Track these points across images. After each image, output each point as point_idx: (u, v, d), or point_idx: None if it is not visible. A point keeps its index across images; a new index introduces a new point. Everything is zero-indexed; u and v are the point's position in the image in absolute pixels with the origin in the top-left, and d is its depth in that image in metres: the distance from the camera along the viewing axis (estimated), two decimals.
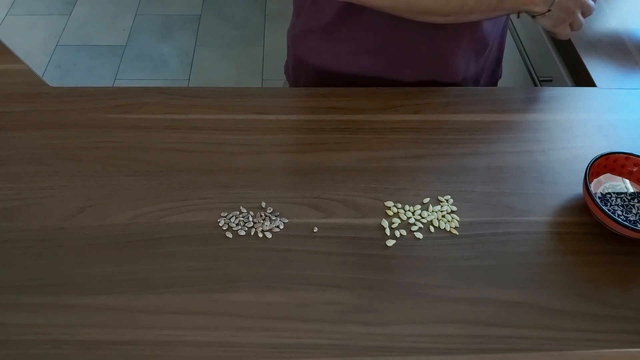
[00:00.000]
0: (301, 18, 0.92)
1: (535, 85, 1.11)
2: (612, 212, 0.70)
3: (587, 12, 0.83)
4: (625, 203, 0.71)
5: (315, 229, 0.68)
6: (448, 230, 0.69)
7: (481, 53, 0.93)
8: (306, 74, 0.94)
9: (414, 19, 0.79)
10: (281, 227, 0.69)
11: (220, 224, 0.68)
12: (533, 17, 0.82)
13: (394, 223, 0.69)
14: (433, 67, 0.89)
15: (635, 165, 0.73)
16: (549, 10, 0.80)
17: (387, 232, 0.68)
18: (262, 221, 0.69)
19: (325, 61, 0.90)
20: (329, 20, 0.86)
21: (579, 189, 0.74)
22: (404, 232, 0.69)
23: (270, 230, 0.68)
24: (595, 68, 0.95)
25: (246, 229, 0.68)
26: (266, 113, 0.82)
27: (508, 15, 0.91)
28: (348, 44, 0.88)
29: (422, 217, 0.70)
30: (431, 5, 0.77)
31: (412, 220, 0.70)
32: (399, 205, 0.71)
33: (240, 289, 0.63)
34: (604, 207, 0.67)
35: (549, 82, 1.09)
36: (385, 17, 0.82)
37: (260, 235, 0.68)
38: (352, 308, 0.62)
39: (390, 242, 0.67)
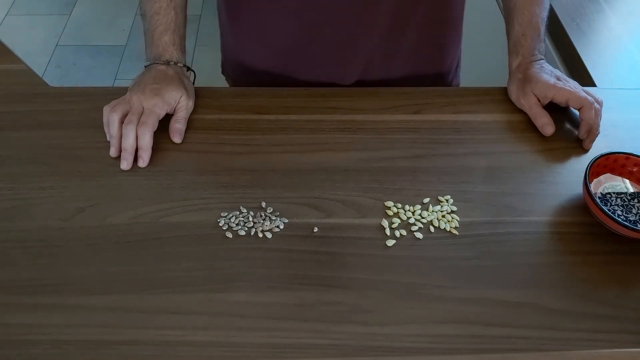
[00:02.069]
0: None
1: None
2: (612, 212, 0.70)
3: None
4: (625, 203, 0.71)
5: (315, 229, 0.68)
6: (448, 230, 0.69)
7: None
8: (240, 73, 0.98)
9: None
10: (281, 227, 0.69)
11: (220, 224, 0.68)
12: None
13: (394, 223, 0.69)
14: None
15: (635, 165, 0.73)
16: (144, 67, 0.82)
17: (387, 232, 0.68)
18: (262, 221, 0.69)
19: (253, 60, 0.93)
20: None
21: (579, 189, 0.74)
22: (404, 232, 0.69)
23: (270, 230, 0.68)
24: (595, 68, 0.95)
25: (246, 229, 0.68)
26: (266, 113, 0.82)
27: None
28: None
29: (422, 217, 0.70)
30: None
31: (412, 220, 0.70)
32: (399, 205, 0.71)
33: (240, 289, 0.63)
34: (604, 207, 0.67)
35: None
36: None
37: (260, 235, 0.68)
38: (352, 308, 0.62)
39: (390, 242, 0.67)
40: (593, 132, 0.78)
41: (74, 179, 0.73)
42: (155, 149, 0.76)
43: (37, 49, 2.37)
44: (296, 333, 0.59)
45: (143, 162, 0.73)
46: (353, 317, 0.61)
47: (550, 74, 0.82)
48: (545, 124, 0.80)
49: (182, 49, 0.85)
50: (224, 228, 0.68)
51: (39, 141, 0.77)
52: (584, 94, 0.79)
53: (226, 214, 0.69)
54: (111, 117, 0.75)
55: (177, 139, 0.77)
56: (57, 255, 0.65)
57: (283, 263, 0.65)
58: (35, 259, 0.65)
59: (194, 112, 0.82)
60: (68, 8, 2.59)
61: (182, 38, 0.85)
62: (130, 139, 0.73)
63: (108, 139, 0.75)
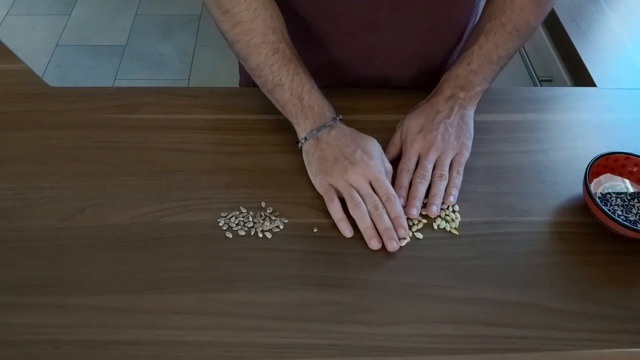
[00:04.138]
0: None
1: (535, 85, 1.11)
2: (612, 212, 0.70)
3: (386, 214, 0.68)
4: (625, 203, 0.71)
5: (315, 229, 0.68)
6: (448, 230, 0.69)
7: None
8: None
9: None
10: (281, 227, 0.69)
11: (220, 224, 0.68)
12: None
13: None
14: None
15: (635, 165, 0.73)
16: (304, 140, 0.72)
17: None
18: (262, 221, 0.69)
19: None
20: None
21: (579, 189, 0.74)
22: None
23: (270, 230, 0.68)
24: (595, 68, 0.95)
25: (246, 229, 0.68)
26: (266, 113, 0.82)
27: None
28: None
29: (422, 217, 0.70)
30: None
31: (412, 220, 0.70)
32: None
33: (240, 289, 0.63)
34: (604, 207, 0.67)
35: (549, 82, 1.09)
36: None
37: (260, 235, 0.68)
38: (352, 308, 0.62)
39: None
40: (430, 199, 0.70)
41: (74, 179, 0.73)
42: (155, 148, 0.76)
43: (37, 49, 2.37)
44: (296, 333, 0.59)
45: (405, 230, 0.67)
46: (353, 317, 0.61)
47: (446, 131, 0.74)
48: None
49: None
50: (224, 228, 0.68)
51: (39, 141, 0.77)
52: (424, 165, 0.72)
53: (226, 214, 0.69)
54: (335, 210, 0.68)
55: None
56: (57, 255, 0.65)
57: (283, 263, 0.65)
58: (35, 259, 0.65)
59: (194, 112, 0.82)
60: (68, 8, 2.59)
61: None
62: (386, 218, 0.67)
63: (347, 233, 0.68)
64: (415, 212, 0.68)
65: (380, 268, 0.65)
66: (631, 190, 0.73)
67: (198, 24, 2.49)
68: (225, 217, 0.69)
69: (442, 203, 0.70)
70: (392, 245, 0.65)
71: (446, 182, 0.71)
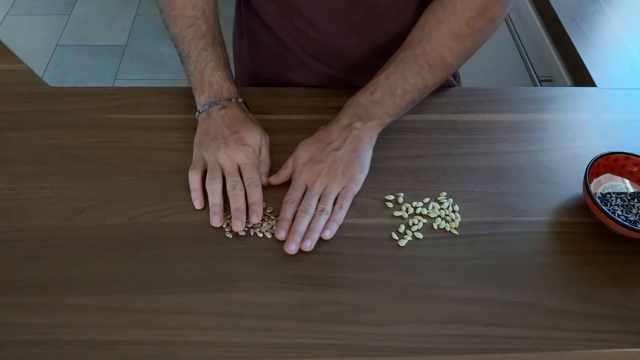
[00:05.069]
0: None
1: (535, 85, 1.11)
2: (612, 212, 0.70)
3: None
4: (625, 203, 0.71)
5: None
6: (448, 230, 0.69)
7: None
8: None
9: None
10: None
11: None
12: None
13: (394, 223, 0.69)
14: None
15: (635, 165, 0.73)
16: (198, 113, 0.76)
17: (388, 232, 0.68)
18: (261, 221, 0.69)
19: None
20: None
21: (579, 189, 0.74)
22: (403, 230, 0.69)
23: (270, 231, 0.68)
24: (595, 68, 0.95)
25: (246, 229, 0.68)
26: (266, 113, 0.82)
27: None
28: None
29: (422, 217, 0.70)
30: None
31: (412, 220, 0.70)
32: (400, 201, 0.71)
33: (240, 289, 0.63)
34: (604, 207, 0.67)
35: (548, 82, 1.09)
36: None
37: (260, 235, 0.68)
38: (352, 308, 0.62)
39: (391, 242, 0.67)
40: (307, 233, 0.66)
41: (74, 179, 0.73)
42: (156, 148, 0.76)
43: (37, 49, 2.37)
44: (296, 333, 0.59)
45: (257, 216, 0.67)
46: (353, 317, 0.61)
47: (334, 164, 0.70)
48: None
49: (235, 84, 0.79)
50: (224, 228, 0.68)
51: (39, 141, 0.77)
52: (296, 192, 0.70)
53: (226, 214, 0.69)
54: (193, 178, 0.70)
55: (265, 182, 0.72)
56: (57, 255, 0.65)
57: (283, 263, 0.65)
58: (35, 259, 0.65)
59: (194, 112, 0.81)
60: (68, 8, 2.59)
61: (231, 73, 0.80)
62: (241, 199, 0.68)
63: (196, 204, 0.70)
64: (294, 247, 0.65)
65: (381, 268, 0.65)
66: (631, 190, 0.73)
67: None
68: (225, 217, 0.69)
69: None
70: (237, 225, 0.66)
71: (327, 217, 0.68)
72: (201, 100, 0.76)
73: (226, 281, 0.63)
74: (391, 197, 0.72)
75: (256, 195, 0.69)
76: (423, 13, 0.76)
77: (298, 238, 0.66)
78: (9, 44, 0.94)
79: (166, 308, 0.61)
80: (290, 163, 0.74)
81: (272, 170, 0.74)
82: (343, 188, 0.70)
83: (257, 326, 0.60)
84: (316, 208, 0.69)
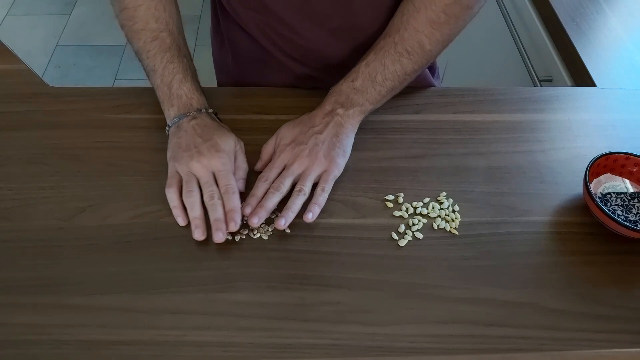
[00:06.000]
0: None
1: (535, 85, 1.11)
2: (612, 212, 0.70)
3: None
4: (625, 203, 0.71)
5: (315, 229, 0.68)
6: (448, 230, 0.69)
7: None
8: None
9: None
10: None
11: None
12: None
13: (394, 223, 0.69)
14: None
15: (635, 165, 0.73)
16: (168, 127, 0.75)
17: (388, 232, 0.68)
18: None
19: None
20: None
21: (579, 189, 0.74)
22: (403, 229, 0.69)
23: (269, 231, 0.68)
24: (595, 68, 0.95)
25: (230, 237, 0.68)
26: (266, 113, 0.82)
27: None
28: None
29: (422, 217, 0.70)
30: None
31: (412, 220, 0.70)
32: (400, 201, 0.71)
33: (240, 289, 0.63)
34: (604, 207, 0.67)
35: (548, 81, 1.09)
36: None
37: (260, 235, 0.68)
38: (352, 308, 0.62)
39: (391, 242, 0.67)
40: (282, 212, 0.67)
41: (74, 179, 0.73)
42: (156, 148, 0.76)
43: (37, 49, 2.37)
44: (296, 333, 0.59)
45: (235, 224, 0.65)
46: (353, 317, 0.61)
47: (315, 146, 0.71)
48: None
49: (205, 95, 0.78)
50: None
51: (39, 141, 0.77)
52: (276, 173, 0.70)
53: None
54: (170, 196, 0.69)
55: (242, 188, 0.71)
56: (57, 255, 0.65)
57: (283, 263, 0.65)
58: (35, 259, 0.65)
59: None
60: (68, 8, 2.59)
61: (199, 85, 0.79)
62: (219, 209, 0.66)
63: (179, 221, 0.68)
64: (256, 221, 0.65)
65: (380, 268, 0.65)
66: (631, 190, 0.73)
67: (198, 25, 2.49)
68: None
69: (301, 218, 0.67)
70: (218, 236, 0.65)
71: (305, 198, 0.68)
72: (170, 113, 0.75)
73: (226, 281, 0.63)
74: (391, 197, 0.72)
75: (233, 202, 0.67)
76: (402, 2, 0.77)
77: (263, 213, 0.66)
78: (9, 44, 0.94)
79: (166, 308, 0.61)
80: (271, 145, 0.74)
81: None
82: (324, 172, 0.71)
83: (256, 326, 0.60)
84: (295, 189, 0.69)
